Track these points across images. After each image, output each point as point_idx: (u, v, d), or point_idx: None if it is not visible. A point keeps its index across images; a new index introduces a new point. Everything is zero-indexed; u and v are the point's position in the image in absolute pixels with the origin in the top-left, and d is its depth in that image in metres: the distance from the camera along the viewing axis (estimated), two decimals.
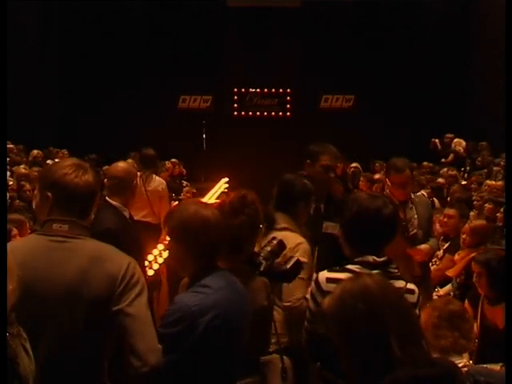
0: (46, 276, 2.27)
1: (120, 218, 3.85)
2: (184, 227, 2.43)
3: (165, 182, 7.54)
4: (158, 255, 7.18)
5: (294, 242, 3.42)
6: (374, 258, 2.63)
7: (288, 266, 2.95)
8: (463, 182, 9.46)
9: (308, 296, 2.74)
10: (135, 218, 6.58)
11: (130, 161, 8.90)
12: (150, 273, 6.57)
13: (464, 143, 12.60)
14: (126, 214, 3.94)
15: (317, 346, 2.70)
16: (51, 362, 2.25)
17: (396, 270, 2.66)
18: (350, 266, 2.66)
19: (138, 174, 7.17)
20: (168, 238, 2.55)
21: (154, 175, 7.32)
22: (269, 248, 3.03)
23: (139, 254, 3.22)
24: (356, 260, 2.67)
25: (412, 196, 4.66)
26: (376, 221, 2.64)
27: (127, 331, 2.22)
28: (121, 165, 4.08)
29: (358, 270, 2.60)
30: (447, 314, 3.43)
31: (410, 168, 4.62)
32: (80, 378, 2.31)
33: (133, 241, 3.76)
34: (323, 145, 4.22)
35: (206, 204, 2.68)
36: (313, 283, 2.69)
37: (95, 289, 2.27)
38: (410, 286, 2.67)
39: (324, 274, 2.66)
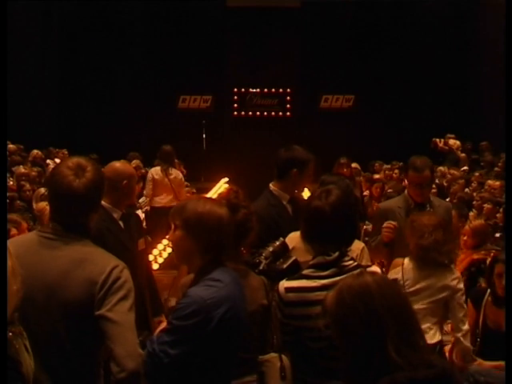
0: (33, 273, 2.28)
1: (104, 218, 3.78)
2: (199, 223, 2.44)
3: (180, 173, 8.99)
4: (162, 250, 7.31)
5: (358, 247, 3.38)
6: (325, 257, 2.61)
7: (285, 266, 2.95)
8: (460, 181, 9.45)
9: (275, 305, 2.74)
10: (163, 204, 8.35)
11: (135, 161, 10.02)
12: (155, 267, 6.68)
13: (459, 143, 12.61)
14: (116, 214, 3.86)
15: (291, 352, 2.72)
16: (40, 362, 2.25)
17: (351, 262, 2.63)
18: (305, 272, 2.64)
19: (158, 168, 8.61)
20: (175, 229, 2.51)
21: (171, 167, 8.73)
22: (271, 248, 3.03)
23: (122, 256, 3.26)
24: (309, 263, 2.66)
25: (431, 198, 4.44)
26: (316, 220, 2.64)
27: (107, 336, 2.22)
28: (115, 164, 3.99)
29: (311, 273, 2.60)
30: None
31: (430, 169, 4.36)
32: (71, 381, 2.31)
33: (117, 242, 3.69)
34: (300, 150, 4.01)
35: (219, 202, 2.66)
36: (276, 294, 2.67)
37: (73, 291, 2.26)
38: (371, 269, 2.68)
39: (283, 285, 2.64)
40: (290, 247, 3.25)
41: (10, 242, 2.49)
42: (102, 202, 3.88)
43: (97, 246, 2.42)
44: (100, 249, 2.41)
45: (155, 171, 8.71)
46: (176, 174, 8.78)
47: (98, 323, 2.23)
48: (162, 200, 8.54)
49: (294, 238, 3.33)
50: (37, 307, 2.26)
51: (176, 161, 11.89)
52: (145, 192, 8.83)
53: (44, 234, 2.38)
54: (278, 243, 3.07)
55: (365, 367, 1.79)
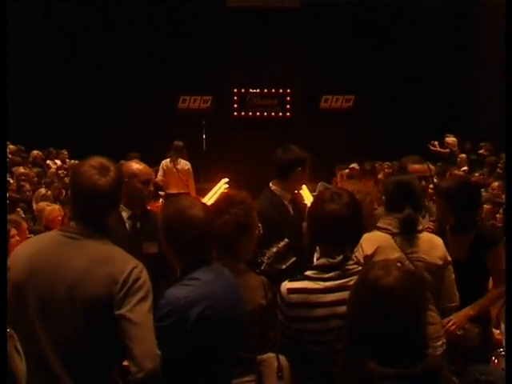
0: (55, 271, 2.33)
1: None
2: (167, 226, 2.48)
3: (189, 164, 10.11)
4: None
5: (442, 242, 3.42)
6: (329, 259, 2.57)
7: (284, 266, 2.94)
8: None
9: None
10: (173, 191, 9.54)
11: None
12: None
13: (456, 140, 12.61)
14: (125, 213, 3.86)
15: (291, 355, 2.71)
16: (58, 354, 2.30)
17: (355, 266, 2.58)
18: (307, 273, 2.61)
19: (168, 160, 9.94)
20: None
21: (180, 159, 9.99)
22: (275, 249, 3.02)
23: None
24: (313, 265, 2.64)
25: (426, 203, 4.34)
26: (332, 223, 2.58)
27: (126, 336, 2.24)
28: (125, 163, 4.04)
29: (314, 275, 2.56)
30: None
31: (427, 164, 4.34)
32: (87, 375, 2.34)
33: (116, 241, 3.71)
34: (298, 149, 4.05)
35: (194, 202, 2.60)
36: (278, 295, 2.65)
37: (94, 289, 2.30)
38: None
39: (285, 285, 2.61)
40: (374, 248, 3.25)
41: (30, 240, 2.56)
42: None
43: (114, 244, 2.46)
44: (119, 248, 2.44)
45: (165, 162, 10.09)
46: (183, 164, 10.04)
47: (117, 322, 2.27)
48: (175, 188, 9.83)
49: (375, 239, 3.32)
50: (58, 304, 2.30)
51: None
52: (156, 179, 9.91)
53: (65, 233, 2.42)
54: (282, 244, 3.05)
55: (353, 359, 1.80)
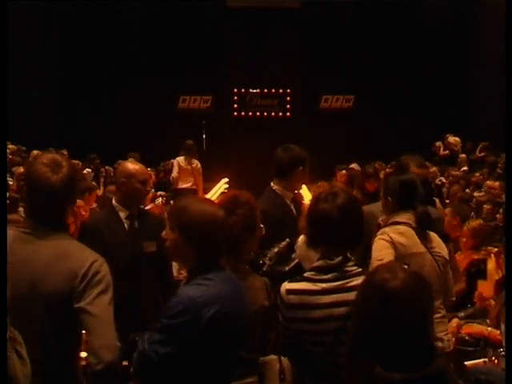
0: (19, 269, 2.32)
1: (108, 216, 3.87)
2: (196, 229, 2.41)
3: (199, 163, 10.76)
4: None
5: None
6: (327, 260, 2.56)
7: (287, 268, 2.94)
8: (461, 182, 9.45)
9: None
10: (186, 187, 10.38)
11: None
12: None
13: (459, 140, 12.61)
14: (123, 213, 3.87)
15: (291, 355, 2.71)
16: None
17: (354, 268, 2.57)
18: (307, 274, 2.60)
19: (182, 157, 10.57)
20: (171, 230, 2.49)
21: (193, 158, 10.67)
22: (276, 249, 3.01)
23: (119, 256, 3.37)
24: (312, 266, 2.62)
25: None
26: (322, 223, 2.58)
27: (86, 329, 2.27)
28: (122, 163, 4.05)
29: (313, 276, 2.56)
30: None
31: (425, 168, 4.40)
32: (51, 373, 2.34)
33: (116, 241, 3.74)
34: (298, 149, 4.09)
35: (215, 204, 2.62)
36: (278, 295, 2.65)
37: (55, 284, 2.31)
38: None
39: (285, 286, 2.61)
40: (406, 240, 3.33)
41: None
42: (113, 201, 3.92)
43: (73, 239, 2.49)
44: (78, 243, 2.47)
45: (180, 160, 10.65)
46: (196, 163, 10.70)
47: (77, 315, 2.28)
48: (186, 184, 10.48)
49: (404, 230, 3.39)
50: (22, 301, 2.29)
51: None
52: (172, 175, 10.81)
53: (24, 230, 2.42)
54: (283, 244, 3.04)
55: (357, 360, 1.79)
